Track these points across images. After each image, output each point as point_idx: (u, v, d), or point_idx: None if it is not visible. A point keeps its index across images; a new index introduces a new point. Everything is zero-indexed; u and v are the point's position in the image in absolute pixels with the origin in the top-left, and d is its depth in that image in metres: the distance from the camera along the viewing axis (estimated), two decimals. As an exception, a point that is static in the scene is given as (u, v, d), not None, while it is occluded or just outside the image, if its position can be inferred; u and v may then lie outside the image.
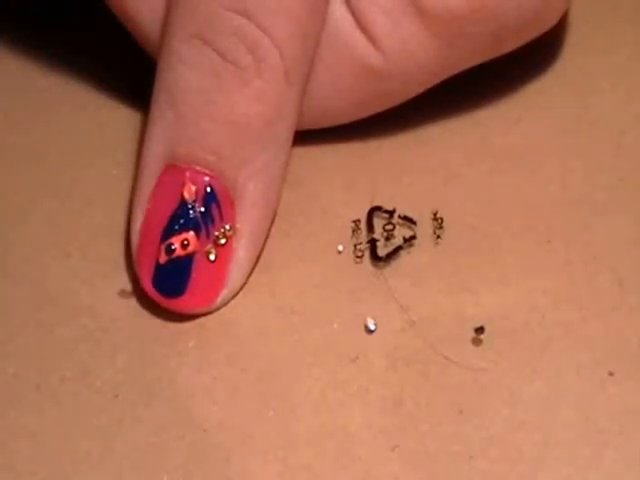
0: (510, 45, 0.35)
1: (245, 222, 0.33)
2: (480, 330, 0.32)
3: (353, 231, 0.35)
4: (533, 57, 0.37)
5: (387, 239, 0.34)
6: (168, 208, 0.33)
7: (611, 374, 0.31)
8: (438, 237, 0.35)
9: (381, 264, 0.34)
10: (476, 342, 0.32)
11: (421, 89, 0.36)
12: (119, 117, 0.39)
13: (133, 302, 0.34)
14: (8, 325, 0.33)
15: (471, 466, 0.30)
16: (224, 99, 0.32)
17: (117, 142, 0.38)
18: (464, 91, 0.37)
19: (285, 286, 0.34)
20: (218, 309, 0.33)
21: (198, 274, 0.33)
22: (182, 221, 0.32)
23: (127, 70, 0.39)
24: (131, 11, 0.34)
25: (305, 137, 0.36)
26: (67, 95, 0.39)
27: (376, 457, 0.30)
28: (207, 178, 0.32)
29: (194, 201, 0.32)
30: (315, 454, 0.30)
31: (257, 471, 0.30)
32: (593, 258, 0.34)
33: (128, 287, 0.34)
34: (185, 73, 0.32)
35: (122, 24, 0.35)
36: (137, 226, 0.33)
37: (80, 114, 0.39)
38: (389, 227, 0.35)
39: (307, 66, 0.34)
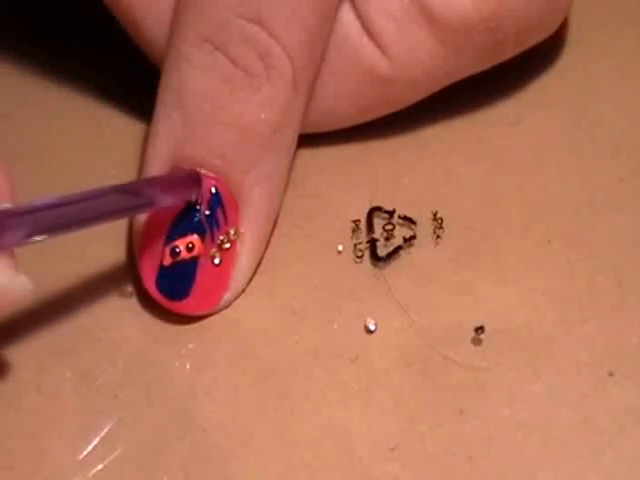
0: (512, 52, 0.36)
1: (249, 226, 0.33)
2: (480, 330, 0.32)
3: (353, 231, 0.35)
4: (533, 57, 0.37)
5: (387, 239, 0.35)
6: (173, 210, 0.32)
7: (611, 374, 0.31)
8: (438, 237, 0.35)
9: (381, 264, 0.34)
10: (476, 342, 0.32)
11: (425, 95, 0.36)
12: (119, 117, 0.39)
13: (133, 302, 0.34)
14: (8, 325, 0.33)
15: (471, 466, 0.30)
16: (233, 104, 0.32)
17: (117, 142, 0.38)
18: (464, 91, 0.37)
19: (285, 286, 0.34)
20: (220, 311, 0.34)
21: (202, 277, 0.33)
22: (187, 224, 0.32)
23: (127, 70, 0.39)
24: (137, 15, 0.34)
25: (306, 137, 0.36)
26: (67, 95, 0.39)
27: (376, 457, 0.30)
28: (213, 182, 0.33)
29: (199, 204, 0.32)
30: (315, 454, 0.30)
31: (257, 471, 0.30)
32: (593, 258, 0.34)
33: (128, 287, 0.34)
34: (193, 76, 0.32)
35: (122, 26, 0.35)
36: (140, 227, 0.33)
37: (80, 114, 0.39)
38: (389, 227, 0.35)
39: (314, 73, 0.34)
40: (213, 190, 0.33)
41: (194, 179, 0.32)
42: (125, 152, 0.37)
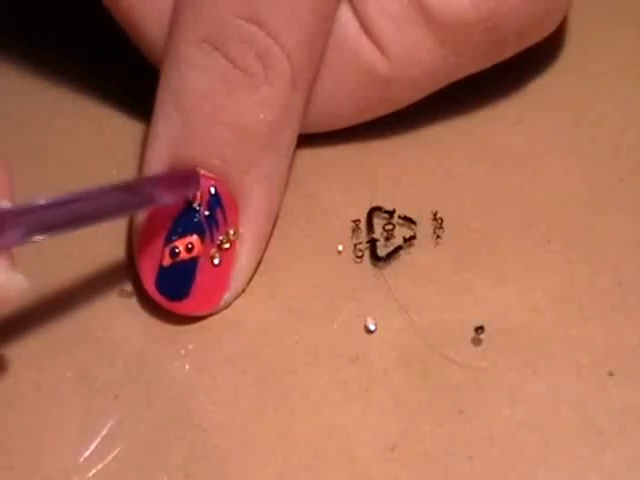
0: (511, 51, 0.36)
1: (249, 227, 0.33)
2: (480, 330, 0.32)
3: (353, 231, 0.35)
4: (533, 57, 0.37)
5: (387, 239, 0.35)
6: (172, 210, 0.33)
7: (611, 374, 0.31)
8: (438, 237, 0.35)
9: (381, 264, 0.34)
10: (476, 342, 0.32)
11: (424, 94, 0.36)
12: (119, 117, 0.39)
13: (133, 302, 0.34)
14: (8, 325, 0.33)
15: (471, 466, 0.30)
16: (232, 105, 0.32)
17: (117, 142, 0.38)
18: (464, 91, 0.37)
19: (285, 286, 0.34)
20: (220, 311, 0.34)
21: (202, 278, 0.33)
22: (186, 224, 0.32)
23: (127, 70, 0.39)
24: (136, 16, 0.34)
25: (305, 137, 0.36)
26: (67, 95, 0.39)
27: (376, 457, 0.30)
28: (212, 182, 0.33)
29: (199, 205, 0.32)
30: (315, 454, 0.30)
31: (257, 471, 0.30)
32: (593, 258, 0.34)
33: (128, 287, 0.34)
34: (192, 76, 0.32)
35: (121, 27, 0.35)
36: (139, 227, 0.33)
37: (80, 114, 0.39)
38: (389, 227, 0.35)
39: (313, 72, 0.34)
40: (212, 190, 0.33)
41: (192, 176, 0.32)
42: (125, 152, 0.37)
